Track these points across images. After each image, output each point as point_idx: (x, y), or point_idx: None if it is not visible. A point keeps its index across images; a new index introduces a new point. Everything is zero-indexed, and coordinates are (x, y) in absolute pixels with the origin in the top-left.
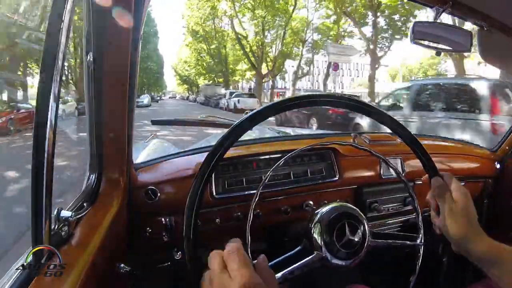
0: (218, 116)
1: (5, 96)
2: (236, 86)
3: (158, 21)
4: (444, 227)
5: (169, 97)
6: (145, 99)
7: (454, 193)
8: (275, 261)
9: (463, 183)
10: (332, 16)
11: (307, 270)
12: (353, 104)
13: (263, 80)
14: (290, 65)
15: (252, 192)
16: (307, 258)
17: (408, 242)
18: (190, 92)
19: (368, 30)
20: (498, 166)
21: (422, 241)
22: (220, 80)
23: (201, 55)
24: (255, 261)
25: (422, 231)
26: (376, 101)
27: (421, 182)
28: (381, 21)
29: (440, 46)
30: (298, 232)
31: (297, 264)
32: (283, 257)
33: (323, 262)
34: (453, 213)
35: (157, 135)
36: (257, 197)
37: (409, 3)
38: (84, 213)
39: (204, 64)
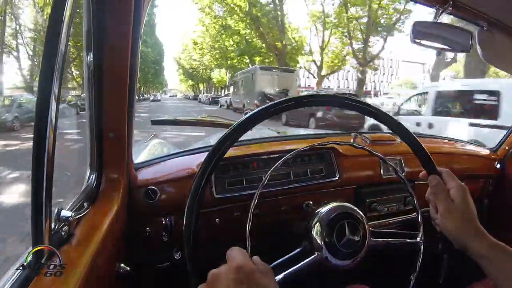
0: (218, 116)
1: None
2: None
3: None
4: (443, 224)
5: (170, 96)
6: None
7: (452, 190)
8: (275, 263)
9: (463, 183)
10: None
11: (308, 271)
12: (353, 104)
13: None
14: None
15: (252, 192)
16: (308, 259)
17: (408, 240)
18: (197, 90)
19: None
20: (498, 166)
21: (422, 239)
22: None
23: (226, 25)
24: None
25: (422, 230)
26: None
27: (421, 182)
28: None
29: (440, 46)
30: (298, 232)
31: (298, 265)
32: (282, 259)
33: (323, 263)
34: (451, 211)
35: (157, 135)
36: (257, 197)
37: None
38: (84, 213)
39: (231, 42)
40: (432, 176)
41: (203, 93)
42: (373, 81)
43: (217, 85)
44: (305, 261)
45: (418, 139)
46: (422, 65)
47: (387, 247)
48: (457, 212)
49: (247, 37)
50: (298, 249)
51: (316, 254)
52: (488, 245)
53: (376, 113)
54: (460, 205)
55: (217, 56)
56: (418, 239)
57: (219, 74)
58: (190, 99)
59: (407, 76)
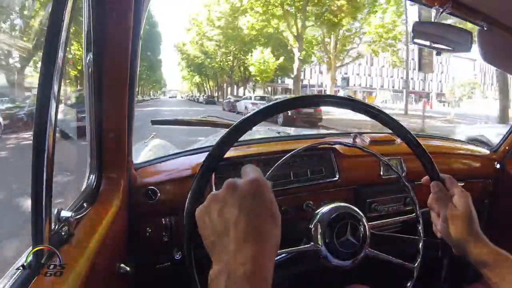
0: (218, 116)
1: None
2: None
3: None
4: (444, 230)
5: (170, 97)
6: None
7: (455, 197)
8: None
9: (463, 183)
10: None
11: (301, 259)
12: (355, 105)
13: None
14: None
15: None
16: (302, 246)
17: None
18: (205, 89)
19: None
20: (498, 166)
21: (422, 241)
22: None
23: None
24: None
25: (422, 231)
26: None
27: (421, 182)
28: None
29: (440, 46)
30: (298, 232)
31: (291, 249)
32: (283, 255)
33: (318, 256)
34: (453, 217)
35: (157, 135)
36: None
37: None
38: (84, 213)
39: None
40: (434, 182)
41: (226, 93)
42: (420, 80)
43: (258, 79)
44: (299, 247)
45: (420, 141)
46: (473, 61)
47: (387, 245)
48: (459, 218)
49: None
50: (299, 247)
51: (311, 244)
52: (489, 252)
53: (378, 114)
54: (462, 212)
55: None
56: (419, 243)
57: (262, 57)
58: (200, 102)
59: (460, 75)
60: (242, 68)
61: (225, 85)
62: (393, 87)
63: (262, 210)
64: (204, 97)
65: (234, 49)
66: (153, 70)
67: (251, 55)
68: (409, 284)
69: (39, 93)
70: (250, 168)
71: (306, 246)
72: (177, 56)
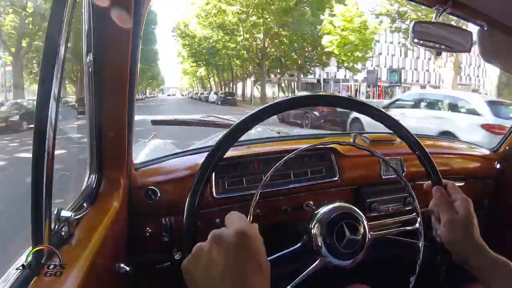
0: (219, 116)
1: None
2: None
3: None
4: (444, 235)
5: (168, 95)
6: None
7: (456, 202)
8: (273, 256)
9: (463, 183)
10: None
11: (314, 276)
12: (357, 106)
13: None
14: None
15: (252, 192)
16: (312, 266)
17: (407, 228)
18: (215, 85)
19: None
20: (498, 166)
21: (422, 241)
22: None
23: None
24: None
25: (422, 232)
26: None
27: (421, 182)
28: None
29: (440, 46)
30: (298, 232)
31: (302, 275)
32: (281, 253)
33: (325, 264)
34: (454, 223)
35: (157, 135)
36: (257, 197)
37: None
38: (84, 213)
39: None
40: (436, 187)
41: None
42: (467, 75)
43: (344, 59)
44: (310, 269)
45: (420, 141)
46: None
47: (386, 249)
48: (460, 224)
49: None
50: (299, 244)
51: (319, 259)
52: (488, 260)
53: (382, 116)
54: (464, 218)
55: None
56: (418, 242)
57: (352, 16)
58: (211, 102)
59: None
60: (259, 54)
61: (252, 77)
62: (428, 82)
63: (249, 262)
64: (220, 94)
65: (269, 19)
66: (148, 62)
67: (325, 24)
68: (411, 279)
69: (39, 93)
70: (235, 217)
71: (316, 264)
72: (176, 44)
